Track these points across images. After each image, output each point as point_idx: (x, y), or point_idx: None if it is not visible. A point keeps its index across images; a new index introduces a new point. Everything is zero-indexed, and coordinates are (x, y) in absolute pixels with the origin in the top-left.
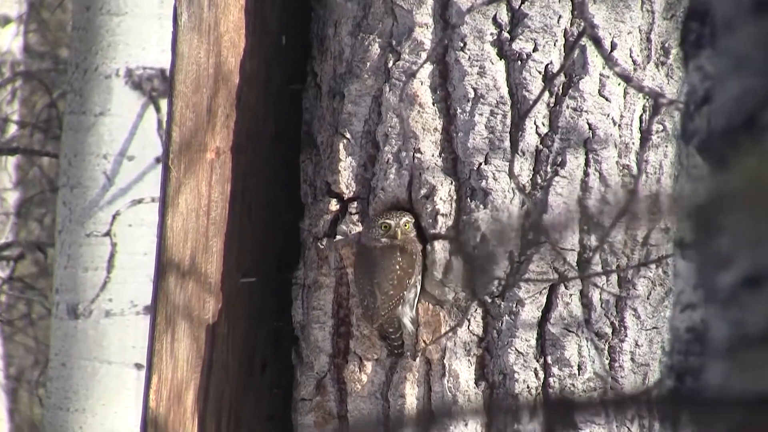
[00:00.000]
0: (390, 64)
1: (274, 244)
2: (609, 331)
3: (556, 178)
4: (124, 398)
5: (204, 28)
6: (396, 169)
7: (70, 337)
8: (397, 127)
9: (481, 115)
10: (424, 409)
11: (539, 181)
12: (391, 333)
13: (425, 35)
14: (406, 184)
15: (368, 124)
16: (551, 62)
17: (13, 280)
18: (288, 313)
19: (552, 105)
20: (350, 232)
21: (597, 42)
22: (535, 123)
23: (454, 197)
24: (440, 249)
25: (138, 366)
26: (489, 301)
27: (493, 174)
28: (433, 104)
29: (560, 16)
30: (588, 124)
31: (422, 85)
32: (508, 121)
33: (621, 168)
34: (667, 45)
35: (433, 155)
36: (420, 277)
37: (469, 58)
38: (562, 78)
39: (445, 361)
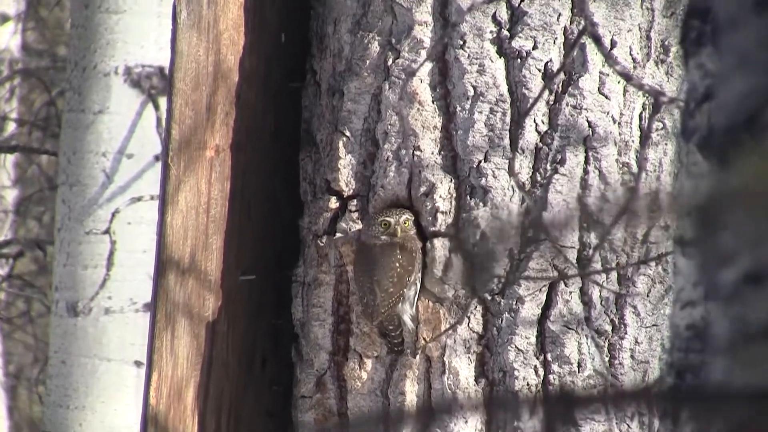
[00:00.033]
0: (389, 62)
1: (273, 242)
2: (609, 328)
3: (556, 176)
4: (124, 395)
5: (203, 25)
6: (396, 167)
7: (69, 334)
8: (396, 125)
9: (480, 112)
10: (424, 406)
11: (539, 178)
12: (391, 330)
13: (425, 33)
14: (406, 181)
15: (368, 122)
16: (551, 60)
17: (12, 277)
18: (288, 311)
19: (552, 103)
20: (350, 230)
21: (597, 40)
22: (534, 121)
23: (454, 195)
24: (440, 246)
25: (137, 363)
26: (489, 298)
27: (493, 172)
28: (433, 102)
29: (560, 14)
30: (588, 122)
31: (422, 83)
32: (508, 119)
33: (621, 166)
34: (666, 43)
35: (432, 153)
36: (420, 274)
37: (469, 56)
38: (561, 76)
39: (445, 359)
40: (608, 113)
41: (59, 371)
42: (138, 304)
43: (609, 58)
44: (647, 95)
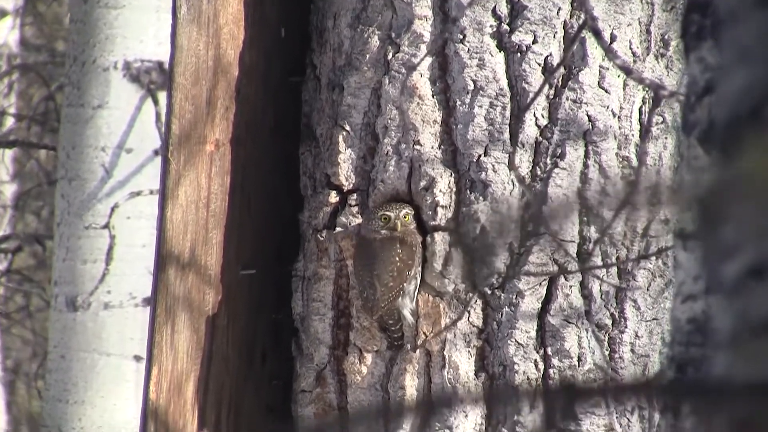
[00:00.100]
0: (389, 57)
1: (273, 236)
2: (609, 322)
3: (556, 170)
4: (123, 390)
5: (203, 20)
6: (395, 161)
7: (68, 329)
8: (396, 119)
9: (480, 107)
10: (424, 401)
11: (539, 172)
12: (391, 325)
13: (425, 27)
14: (406, 176)
15: (368, 116)
16: (551, 54)
17: (11, 272)
18: (288, 305)
19: (551, 97)
20: (350, 224)
21: (597, 34)
22: (534, 115)
23: (454, 189)
24: (440, 241)
25: (137, 358)
26: (489, 292)
27: (493, 166)
28: (433, 96)
29: (560, 8)
30: (587, 115)
31: (422, 78)
32: (508, 113)
33: (620, 160)
34: (666, 37)
35: (432, 147)
36: (420, 268)
37: (469, 50)
38: (561, 70)
39: (445, 353)
40: (608, 107)
41: (58, 366)
42: (137, 299)
43: (609, 52)
44: (647, 89)
